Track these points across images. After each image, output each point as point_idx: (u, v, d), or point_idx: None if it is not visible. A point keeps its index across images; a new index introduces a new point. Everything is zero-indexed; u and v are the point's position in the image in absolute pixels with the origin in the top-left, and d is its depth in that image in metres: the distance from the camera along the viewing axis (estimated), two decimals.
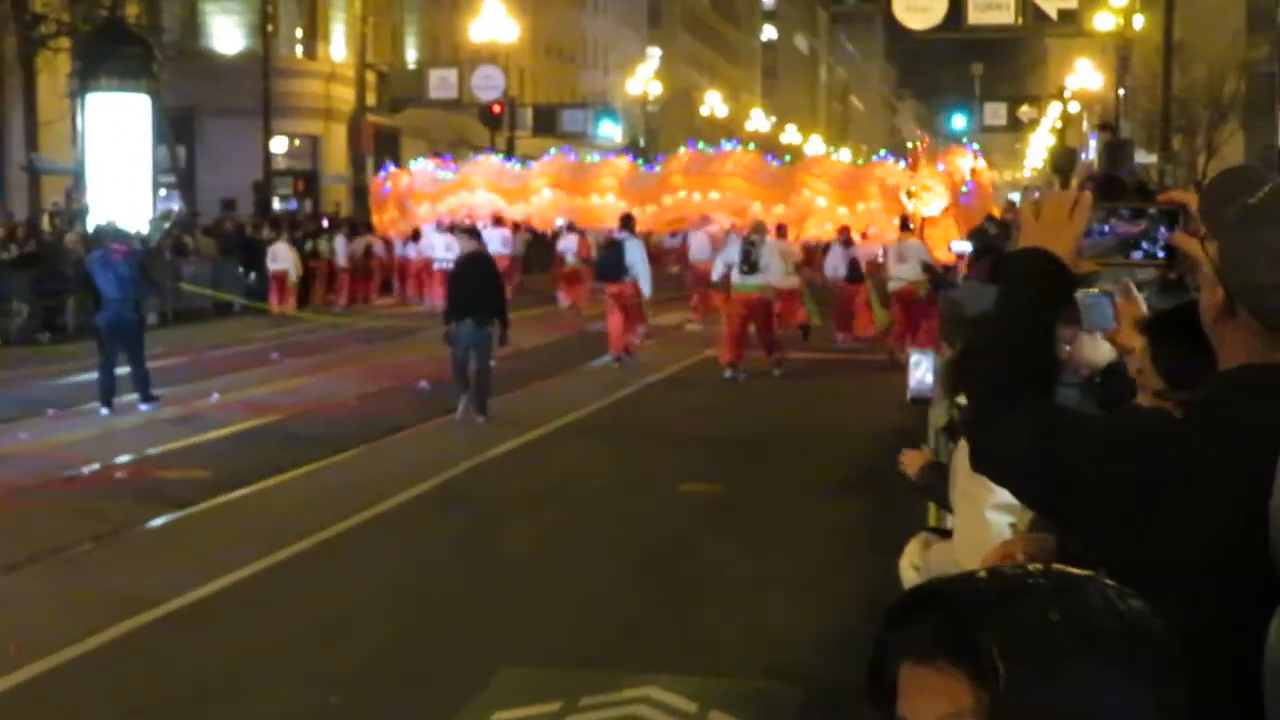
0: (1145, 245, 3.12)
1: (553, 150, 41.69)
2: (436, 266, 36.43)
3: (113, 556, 12.25)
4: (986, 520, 4.73)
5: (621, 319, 25.86)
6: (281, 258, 36.38)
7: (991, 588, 1.67)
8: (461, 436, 18.17)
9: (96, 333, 20.37)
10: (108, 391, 19.78)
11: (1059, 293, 3.04)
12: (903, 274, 26.00)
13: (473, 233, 21.47)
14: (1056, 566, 1.73)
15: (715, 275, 26.43)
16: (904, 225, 27.98)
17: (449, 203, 38.89)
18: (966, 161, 34.19)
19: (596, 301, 31.65)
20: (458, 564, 11.95)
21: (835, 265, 30.11)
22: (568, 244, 37.75)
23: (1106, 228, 3.11)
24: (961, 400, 5.04)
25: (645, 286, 26.36)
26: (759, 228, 25.84)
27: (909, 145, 36.68)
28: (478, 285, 19.15)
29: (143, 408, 20.00)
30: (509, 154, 52.29)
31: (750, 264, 24.39)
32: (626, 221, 27.21)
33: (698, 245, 35.31)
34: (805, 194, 34.25)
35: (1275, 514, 2.41)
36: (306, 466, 15.95)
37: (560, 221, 38.95)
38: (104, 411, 19.61)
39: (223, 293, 35.72)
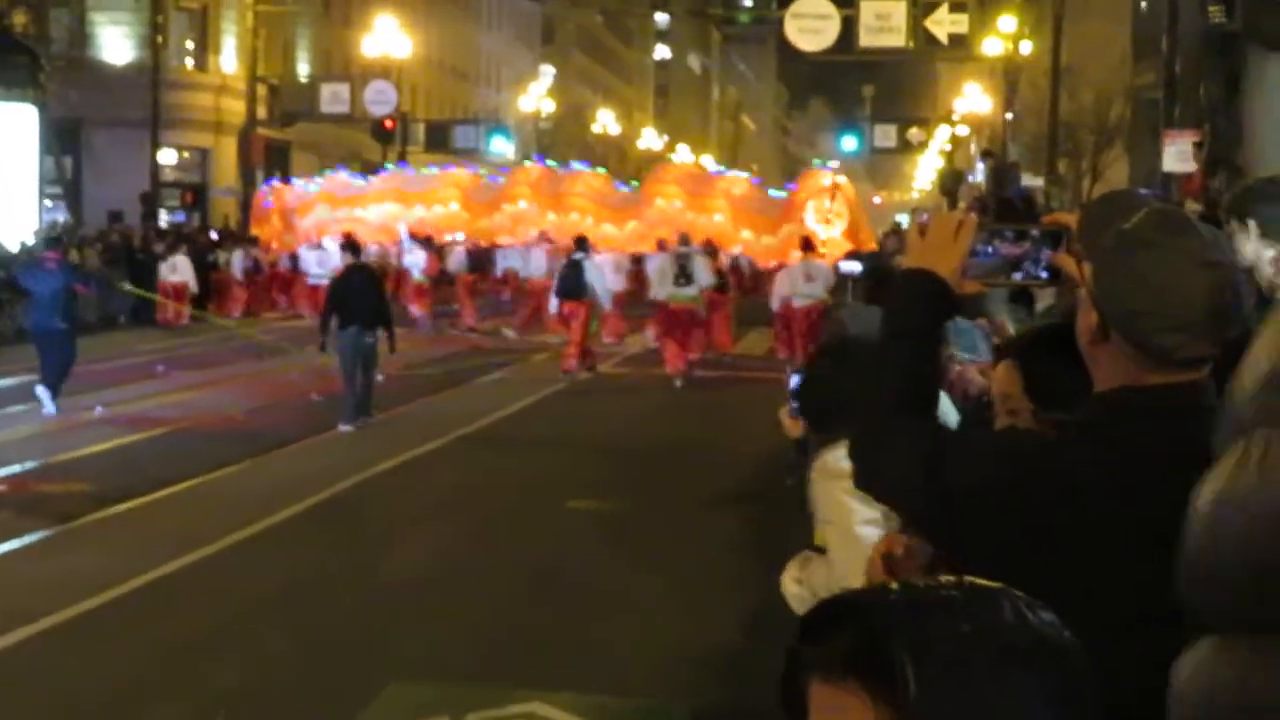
0: (1029, 266, 3.15)
1: (389, 166, 41.95)
2: (311, 283, 36.83)
3: None
4: (857, 536, 4.76)
5: (579, 336, 26.72)
6: (181, 270, 36.21)
7: (904, 600, 1.66)
8: (350, 451, 18.04)
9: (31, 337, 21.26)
10: (46, 382, 20.52)
11: (942, 314, 3.06)
12: (811, 291, 27.66)
13: (352, 246, 21.93)
14: (968, 579, 1.73)
15: (656, 294, 27.66)
16: (806, 246, 29.08)
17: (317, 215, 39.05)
18: (825, 181, 35.02)
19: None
20: (345, 579, 11.86)
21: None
22: (414, 259, 37.26)
23: (991, 249, 3.15)
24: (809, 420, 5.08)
25: (605, 302, 28.33)
26: (686, 239, 27.72)
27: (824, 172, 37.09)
28: (360, 295, 19.75)
29: (48, 410, 20.29)
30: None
31: (685, 276, 26.33)
32: (582, 243, 28.04)
33: (534, 261, 35.21)
34: (659, 203, 34.71)
35: (1198, 524, 2.42)
36: (192, 480, 15.79)
37: (404, 234, 38.59)
38: (45, 408, 20.29)
39: (108, 306, 35.27)
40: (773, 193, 36.26)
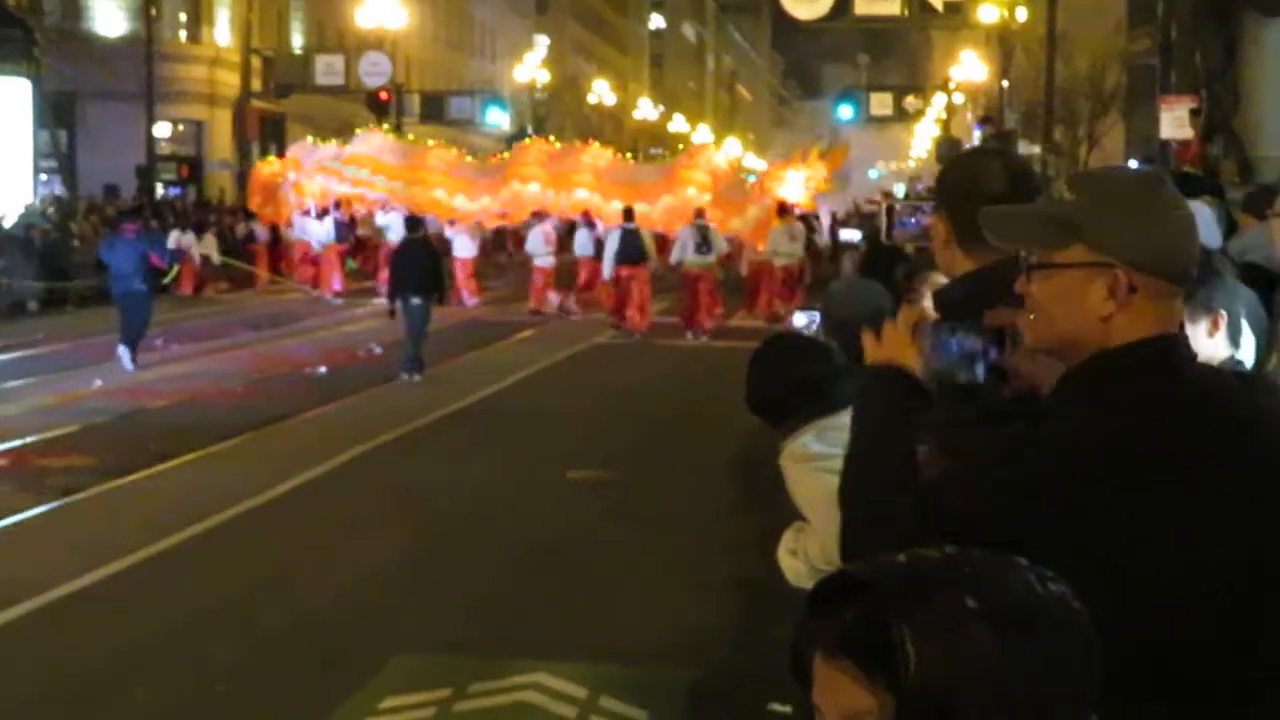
0: (992, 355, 3.16)
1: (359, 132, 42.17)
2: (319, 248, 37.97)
3: None
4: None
5: (642, 298, 29.89)
6: (206, 242, 36.99)
7: (908, 576, 1.67)
8: (350, 422, 18.06)
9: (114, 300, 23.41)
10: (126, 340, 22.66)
11: (914, 407, 3.06)
12: (792, 250, 32.26)
13: (412, 221, 24.30)
14: (977, 550, 1.73)
15: (673, 259, 30.85)
16: (782, 211, 32.78)
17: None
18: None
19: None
20: (346, 553, 11.88)
21: (583, 244, 34.32)
22: (461, 240, 37.35)
23: (955, 342, 3.14)
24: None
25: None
26: (701, 213, 30.84)
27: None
28: (417, 266, 22.30)
29: (126, 367, 22.21)
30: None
31: (706, 244, 29.94)
32: (629, 214, 30.84)
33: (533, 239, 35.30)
34: (515, 185, 36.71)
35: None
36: (192, 454, 15.80)
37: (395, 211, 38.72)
38: (124, 362, 22.36)
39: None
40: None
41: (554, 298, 33.68)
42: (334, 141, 41.71)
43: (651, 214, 34.01)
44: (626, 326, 29.66)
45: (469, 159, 40.31)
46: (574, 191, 36.23)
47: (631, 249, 30.03)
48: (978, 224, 3.02)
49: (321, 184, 39.51)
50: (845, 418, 4.90)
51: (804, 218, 36.89)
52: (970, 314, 3.20)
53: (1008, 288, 2.94)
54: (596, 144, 40.26)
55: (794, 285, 31.81)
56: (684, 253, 30.12)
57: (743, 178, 38.46)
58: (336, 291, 37.12)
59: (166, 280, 30.99)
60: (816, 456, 4.88)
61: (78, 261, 34.43)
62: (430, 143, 41.42)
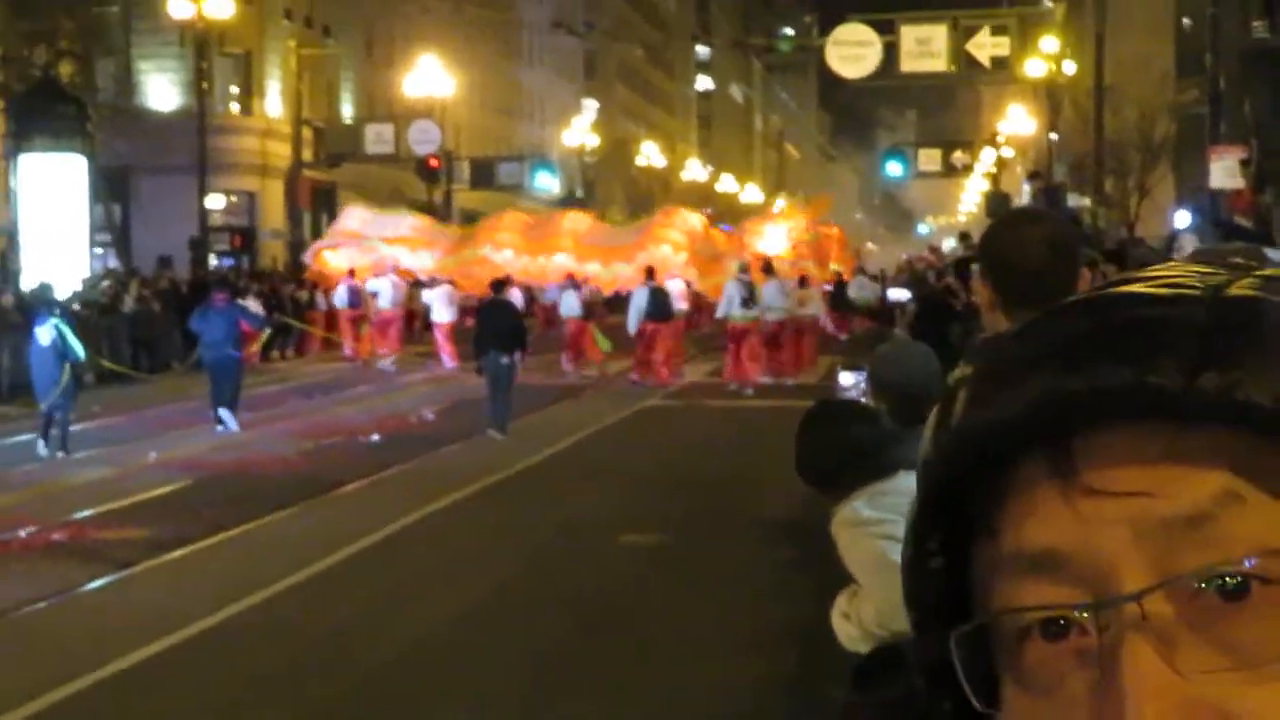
0: None
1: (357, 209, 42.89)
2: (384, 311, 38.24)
3: (52, 620, 12.14)
4: (895, 563, 4.74)
5: (666, 353, 31.39)
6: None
7: None
8: (403, 488, 18.11)
9: (204, 368, 24.86)
10: (218, 409, 23.88)
11: None
12: (786, 307, 32.92)
13: (498, 283, 25.55)
14: None
15: (720, 312, 32.00)
16: (768, 268, 33.47)
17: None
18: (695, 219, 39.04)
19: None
20: (401, 621, 11.89)
21: (569, 306, 35.28)
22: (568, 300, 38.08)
23: None
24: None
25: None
26: (745, 269, 31.99)
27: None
28: (500, 325, 23.40)
29: (227, 426, 23.64)
30: (447, 207, 52.46)
31: (751, 300, 31.05)
32: (651, 272, 32.14)
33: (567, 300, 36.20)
34: (485, 250, 38.14)
35: None
36: (247, 524, 15.85)
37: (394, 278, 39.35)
38: (218, 428, 23.58)
39: (161, 351, 35.47)
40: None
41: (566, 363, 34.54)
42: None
43: (628, 273, 35.12)
44: (651, 381, 30.58)
45: (450, 228, 42.07)
46: (553, 256, 36.99)
47: (660, 306, 31.25)
48: (1020, 290, 3.02)
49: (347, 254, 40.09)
50: (895, 482, 4.91)
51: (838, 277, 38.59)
52: None
53: None
54: (573, 211, 42.12)
55: (795, 343, 33.22)
56: (730, 307, 31.01)
57: (715, 237, 39.30)
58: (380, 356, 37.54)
59: (257, 346, 31.75)
60: (867, 521, 4.88)
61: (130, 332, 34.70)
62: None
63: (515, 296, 35.03)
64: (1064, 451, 0.91)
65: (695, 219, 38.73)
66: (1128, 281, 0.95)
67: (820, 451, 5.04)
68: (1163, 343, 0.89)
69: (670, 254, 34.71)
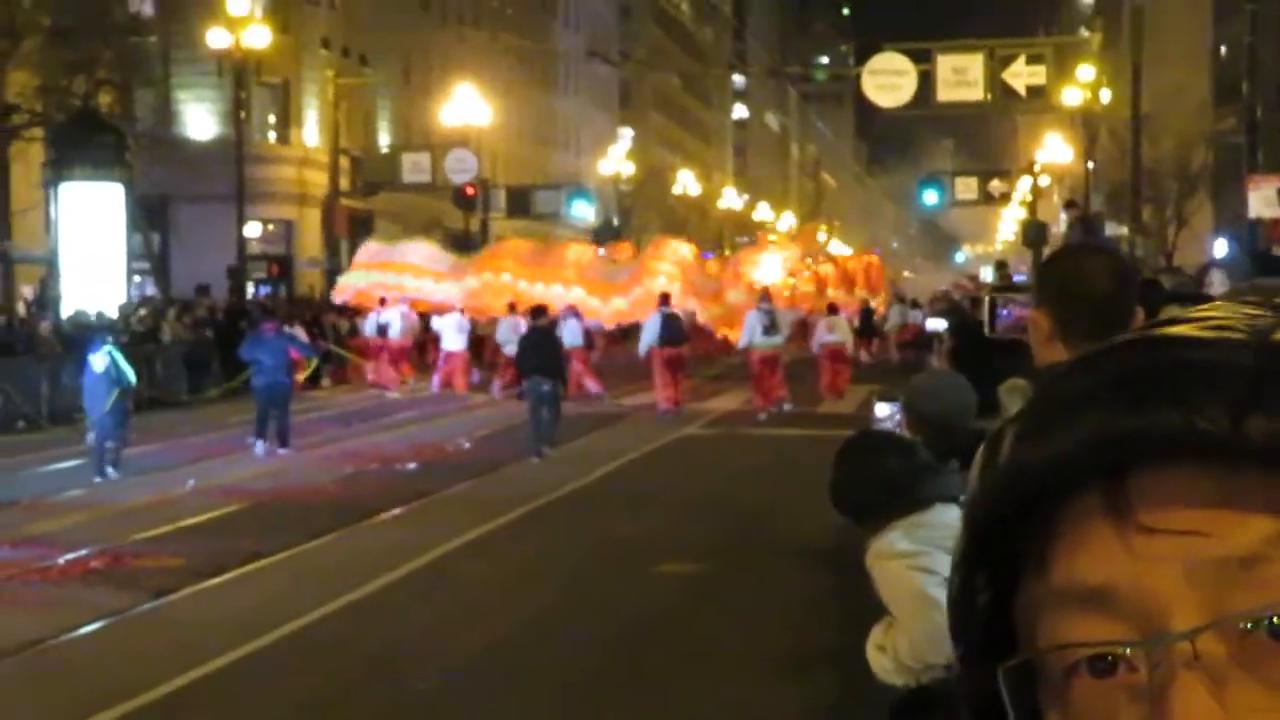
0: None
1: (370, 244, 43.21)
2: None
3: (89, 648, 12.19)
4: (932, 599, 4.75)
5: (672, 377, 31.72)
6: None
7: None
8: (441, 516, 18.15)
9: (255, 394, 25.30)
10: (261, 433, 24.62)
11: None
12: (828, 339, 35.03)
13: (537, 311, 26.45)
14: None
15: (742, 342, 32.47)
16: (832, 310, 36.03)
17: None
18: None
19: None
20: (439, 647, 11.91)
21: (572, 334, 35.27)
22: (571, 330, 38.34)
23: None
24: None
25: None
26: (768, 297, 32.69)
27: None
28: (542, 351, 24.31)
29: (281, 452, 24.30)
30: (483, 236, 52.64)
31: (774, 327, 31.80)
32: (666, 299, 33.05)
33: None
34: (486, 276, 38.70)
35: None
36: (284, 552, 15.90)
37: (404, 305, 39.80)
38: (259, 449, 24.36)
39: (199, 378, 35.63)
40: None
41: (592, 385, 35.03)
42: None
43: (624, 308, 36.30)
44: (662, 409, 31.13)
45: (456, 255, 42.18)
46: (552, 286, 37.33)
47: (673, 331, 32.10)
48: (1083, 320, 3.06)
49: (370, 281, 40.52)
50: (931, 515, 4.92)
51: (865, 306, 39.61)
52: None
53: None
54: (574, 245, 42.66)
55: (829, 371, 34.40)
56: (753, 336, 31.66)
57: (707, 266, 40.13)
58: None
59: (306, 374, 32.12)
60: (903, 554, 4.88)
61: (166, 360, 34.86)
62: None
63: (519, 325, 35.60)
64: (1119, 488, 0.91)
65: (685, 249, 39.12)
66: (1175, 322, 0.96)
67: (856, 484, 5.05)
68: (1210, 387, 0.89)
69: (665, 285, 35.06)
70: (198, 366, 36.08)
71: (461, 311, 37.87)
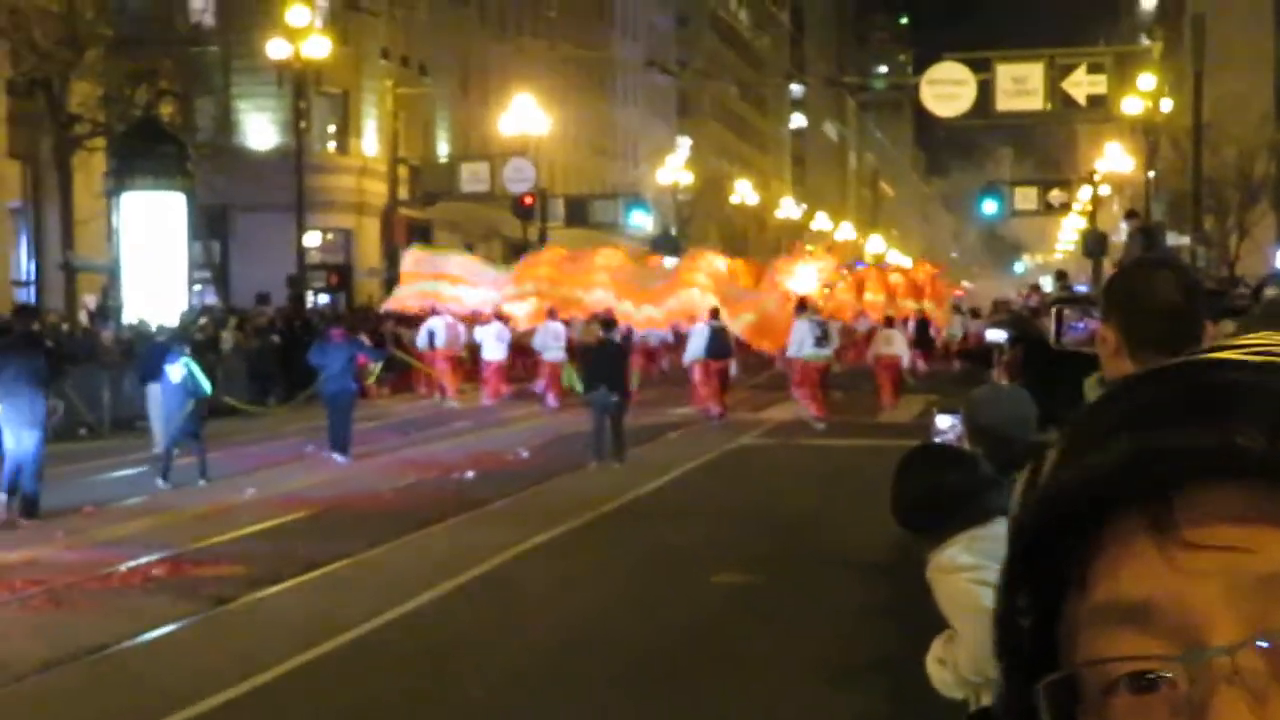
0: None
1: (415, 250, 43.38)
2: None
3: (149, 655, 12.27)
4: (990, 608, 4.72)
5: (717, 386, 32.62)
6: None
7: None
8: (498, 524, 18.18)
9: (322, 400, 26.17)
10: (336, 441, 24.94)
11: None
12: (884, 350, 35.89)
13: (606, 322, 27.16)
14: None
15: (792, 352, 32.58)
16: (888, 323, 37.78)
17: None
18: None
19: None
20: (495, 655, 11.92)
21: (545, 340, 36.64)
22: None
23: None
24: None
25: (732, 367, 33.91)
26: (815, 309, 33.68)
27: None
28: (608, 363, 25.02)
29: (339, 459, 24.49)
30: (541, 245, 52.75)
31: (826, 338, 32.61)
32: (716, 312, 33.47)
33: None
34: (527, 286, 38.85)
35: None
36: (341, 561, 15.95)
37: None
38: (339, 458, 24.55)
39: (261, 387, 35.80)
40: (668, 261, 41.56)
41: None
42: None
43: (657, 316, 36.87)
44: (713, 413, 31.86)
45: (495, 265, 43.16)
46: (591, 291, 37.45)
47: (720, 344, 32.65)
48: (1152, 333, 3.07)
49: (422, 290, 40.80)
50: (991, 528, 4.90)
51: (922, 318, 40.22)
52: None
53: None
54: (607, 249, 42.59)
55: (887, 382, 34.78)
56: (803, 348, 32.11)
57: (739, 275, 40.38)
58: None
59: (372, 380, 32.47)
60: (964, 567, 4.86)
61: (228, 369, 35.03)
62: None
63: (561, 331, 35.72)
64: (1162, 505, 0.92)
65: (720, 262, 39.25)
66: (1221, 349, 0.97)
67: (917, 498, 5.04)
68: (1249, 406, 0.90)
69: (698, 297, 35.12)
70: (259, 376, 36.26)
71: (504, 320, 38.05)
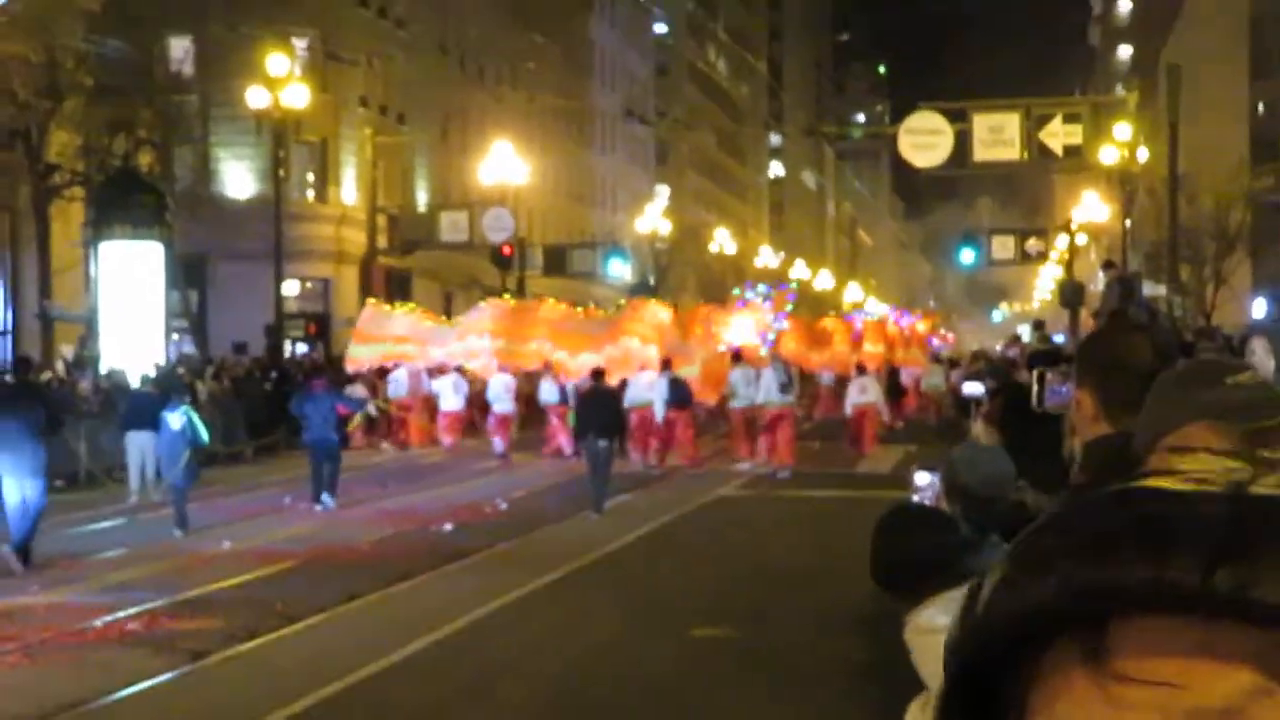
0: None
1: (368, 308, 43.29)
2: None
3: (125, 712, 12.18)
4: None
5: (689, 436, 33.98)
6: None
7: None
8: (477, 578, 18.11)
9: (307, 450, 26.14)
10: (318, 491, 25.23)
11: None
12: (861, 400, 36.87)
13: (598, 373, 27.34)
14: None
15: (760, 399, 32.96)
16: (860, 369, 38.86)
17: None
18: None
19: None
20: (475, 709, 11.87)
21: (548, 392, 37.17)
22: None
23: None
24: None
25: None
26: (778, 356, 34.40)
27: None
28: (600, 411, 25.09)
29: (321, 506, 24.95)
30: (520, 294, 52.77)
31: (789, 384, 33.23)
32: (668, 363, 34.24)
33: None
34: (472, 339, 38.78)
35: None
36: (319, 615, 15.86)
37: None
38: (318, 507, 24.92)
39: (231, 437, 35.73)
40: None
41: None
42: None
43: (593, 363, 36.06)
44: (679, 462, 32.30)
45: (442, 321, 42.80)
46: (528, 344, 37.80)
47: (681, 394, 33.52)
48: (1125, 396, 3.10)
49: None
50: None
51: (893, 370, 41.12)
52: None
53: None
54: (549, 301, 42.58)
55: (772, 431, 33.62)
56: (769, 394, 32.66)
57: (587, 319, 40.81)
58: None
59: (351, 428, 32.63)
60: (941, 629, 4.83)
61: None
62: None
63: (511, 383, 36.21)
64: (1098, 637, 0.91)
65: (664, 313, 39.39)
66: (1159, 475, 0.96)
67: (895, 559, 5.02)
68: (1181, 540, 0.89)
69: (639, 346, 35.25)
70: (231, 426, 36.16)
71: (460, 371, 38.31)
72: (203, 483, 26.17)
